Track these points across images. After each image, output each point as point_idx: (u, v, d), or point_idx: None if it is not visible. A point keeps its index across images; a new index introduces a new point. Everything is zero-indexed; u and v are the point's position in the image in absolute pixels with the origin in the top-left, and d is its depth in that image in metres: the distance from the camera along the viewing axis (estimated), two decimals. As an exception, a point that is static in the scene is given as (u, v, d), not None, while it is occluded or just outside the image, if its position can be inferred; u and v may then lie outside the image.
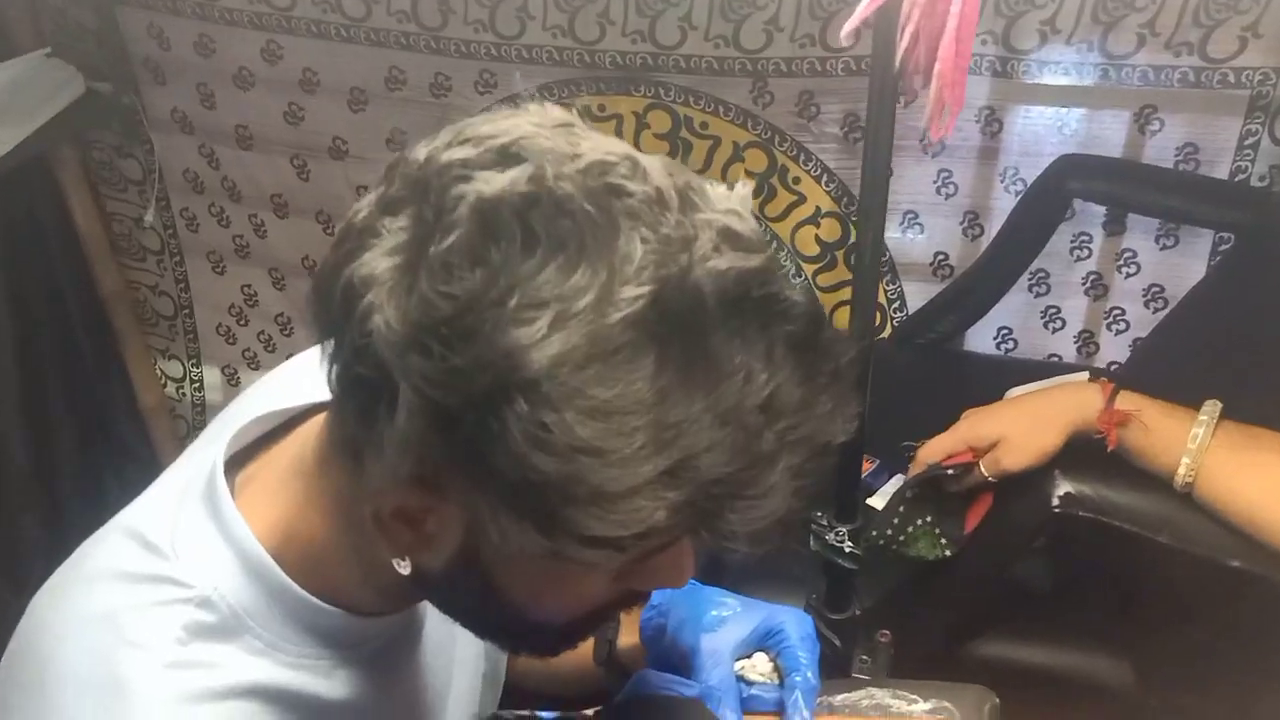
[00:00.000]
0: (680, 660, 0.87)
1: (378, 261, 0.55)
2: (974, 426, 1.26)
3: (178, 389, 2.35)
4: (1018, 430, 1.22)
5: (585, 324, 0.50)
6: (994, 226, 1.77)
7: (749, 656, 0.86)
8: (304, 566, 0.71)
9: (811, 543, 1.18)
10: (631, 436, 0.49)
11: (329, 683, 0.74)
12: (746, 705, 0.83)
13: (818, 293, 1.89)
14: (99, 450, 2.24)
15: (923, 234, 1.84)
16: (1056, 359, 1.88)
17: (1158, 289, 1.78)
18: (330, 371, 0.59)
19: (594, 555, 0.54)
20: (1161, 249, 1.75)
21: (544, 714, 0.69)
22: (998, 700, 0.86)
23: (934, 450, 1.27)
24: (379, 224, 0.56)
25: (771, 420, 0.52)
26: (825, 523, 1.17)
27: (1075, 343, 1.86)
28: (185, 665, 0.67)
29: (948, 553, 1.33)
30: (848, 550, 1.16)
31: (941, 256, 1.84)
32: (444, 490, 0.58)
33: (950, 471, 1.25)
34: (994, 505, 1.25)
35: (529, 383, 0.49)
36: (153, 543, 0.71)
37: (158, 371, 2.33)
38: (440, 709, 0.88)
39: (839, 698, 0.87)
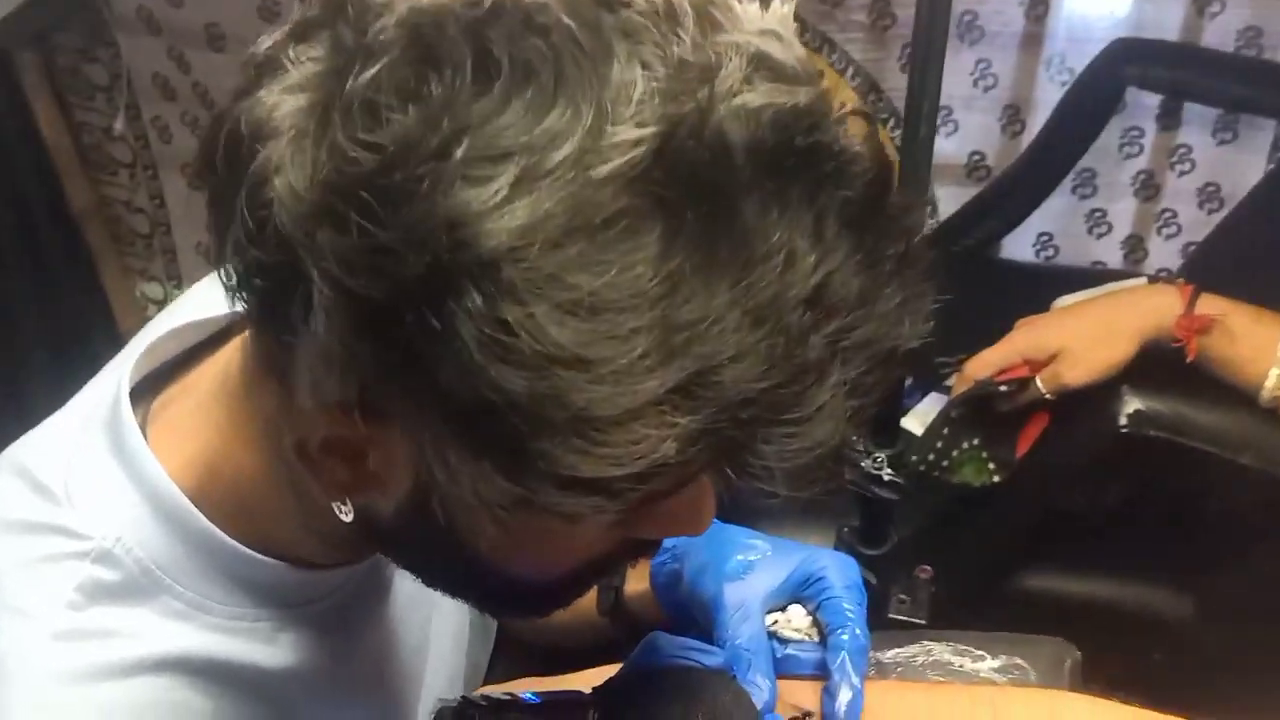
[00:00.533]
0: (700, 614, 0.73)
1: (278, 102, 0.40)
2: (1030, 337, 1.11)
3: (159, 311, 2.21)
4: (1081, 340, 1.07)
5: (562, 184, 0.37)
6: (1036, 122, 1.64)
7: (782, 609, 0.72)
8: (231, 510, 0.57)
9: (846, 470, 1.03)
10: (628, 341, 0.37)
11: (271, 649, 0.61)
12: (781, 668, 0.69)
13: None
14: (78, 378, 2.10)
15: (957, 132, 1.71)
16: (1101, 266, 1.76)
17: (1213, 188, 1.67)
18: (227, 259, 0.44)
19: (578, 503, 0.41)
20: (1219, 144, 1.63)
21: (526, 695, 0.55)
22: (1079, 654, 0.72)
23: (984, 364, 1.13)
24: (284, 54, 0.41)
25: (821, 320, 0.40)
26: (860, 448, 1.03)
27: (1122, 249, 1.75)
28: (79, 635, 0.54)
29: (996, 479, 1.20)
30: (886, 479, 1.02)
31: (977, 157, 1.72)
32: (383, 416, 0.44)
33: (1002, 388, 1.11)
34: (1050, 426, 1.12)
35: (484, 266, 0.36)
36: (43, 484, 0.57)
37: (137, 294, 2.19)
38: (417, 672, 0.75)
39: (889, 654, 0.73)
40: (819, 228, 0.40)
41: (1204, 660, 1.26)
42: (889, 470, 1.03)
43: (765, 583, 0.72)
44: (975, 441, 1.18)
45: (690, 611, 0.74)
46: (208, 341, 0.63)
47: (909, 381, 1.45)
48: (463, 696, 0.56)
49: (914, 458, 1.15)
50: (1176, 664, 1.27)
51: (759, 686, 0.66)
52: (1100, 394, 1.10)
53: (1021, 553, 1.27)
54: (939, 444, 1.16)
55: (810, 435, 0.40)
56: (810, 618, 0.71)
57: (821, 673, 0.68)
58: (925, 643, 0.75)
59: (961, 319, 1.31)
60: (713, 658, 0.65)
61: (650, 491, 0.41)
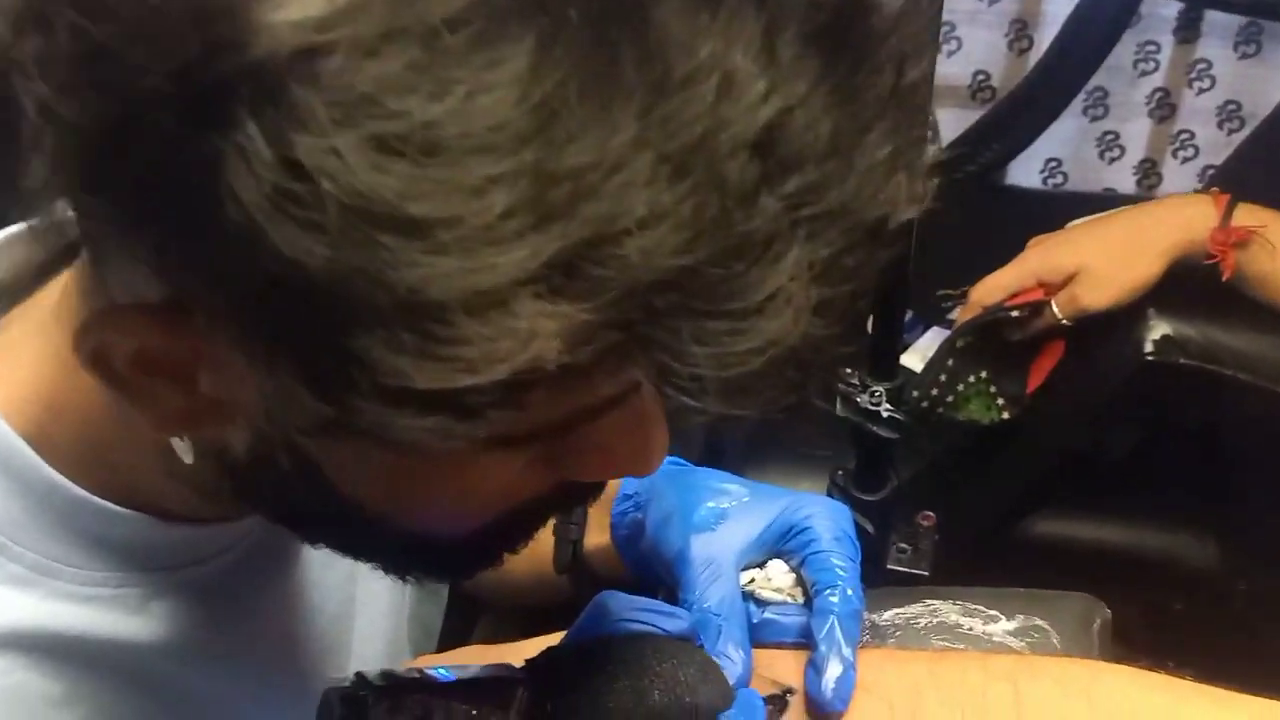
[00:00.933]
0: (664, 571, 0.62)
1: None
2: (1045, 256, 1.00)
3: None
4: (1102, 259, 0.96)
5: None
6: (1045, 38, 1.53)
7: (761, 566, 0.61)
8: (79, 454, 0.46)
9: (838, 407, 0.92)
10: (483, 195, 0.26)
11: (139, 620, 0.50)
12: (758, 634, 0.58)
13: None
14: None
15: (960, 50, 1.59)
16: (1112, 193, 1.65)
17: (1234, 106, 1.56)
18: None
19: (416, 426, 0.29)
20: (1241, 58, 1.53)
21: (440, 672, 0.44)
22: (1109, 613, 0.61)
23: (993, 288, 1.01)
24: None
25: (774, 174, 0.29)
26: (856, 382, 0.92)
27: (1135, 174, 1.64)
28: None
29: (1005, 416, 1.09)
30: (885, 415, 0.90)
31: (982, 77, 1.60)
32: (189, 316, 0.32)
33: (1014, 314, 1.00)
34: (1066, 357, 1.01)
35: (260, 78, 0.25)
36: None
37: None
38: (339, 642, 0.65)
39: (886, 615, 0.63)
40: (770, 42, 0.28)
41: (1230, 613, 1.17)
42: (888, 406, 0.92)
43: (740, 535, 0.61)
44: (983, 375, 1.07)
45: (654, 568, 0.64)
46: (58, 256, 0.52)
47: (909, 316, 1.34)
48: (357, 675, 0.45)
49: (915, 393, 1.04)
50: (1199, 616, 1.19)
51: (731, 658, 0.55)
52: (1123, 319, 1.01)
53: (1033, 497, 1.17)
54: (943, 377, 1.05)
55: (758, 332, 0.29)
56: (793, 575, 0.60)
57: (806, 641, 0.57)
58: (929, 601, 0.64)
59: (965, 249, 1.21)
60: (675, 622, 0.54)
61: (551, 417, 0.30)
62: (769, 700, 0.54)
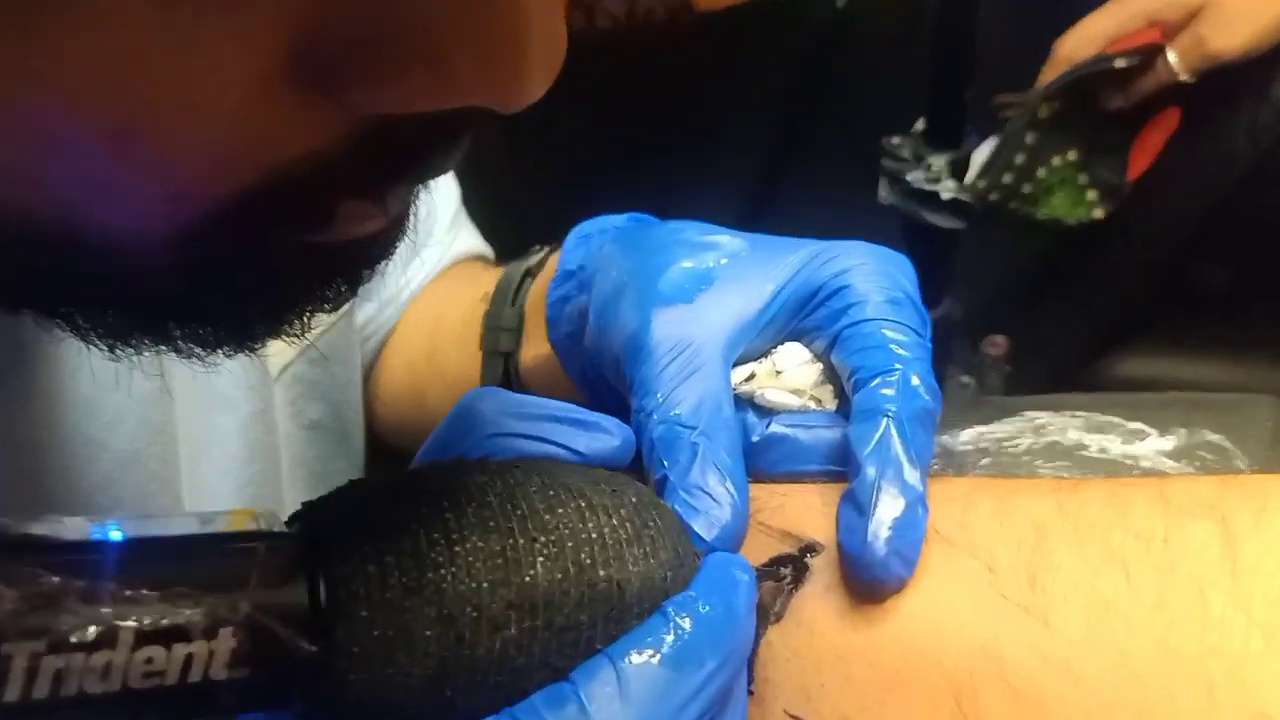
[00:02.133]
0: (613, 371, 0.40)
1: None
2: (1162, -15, 0.75)
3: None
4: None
5: None
6: None
7: (766, 355, 0.38)
8: None
9: (882, 189, 0.68)
10: None
11: None
12: (760, 460, 0.36)
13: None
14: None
15: None
16: None
17: None
18: None
19: None
20: None
21: (100, 532, 0.22)
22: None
23: (1089, 35, 0.77)
24: None
25: None
26: (906, 154, 0.68)
27: None
28: None
29: (1097, 214, 0.85)
30: (946, 197, 0.67)
31: None
32: None
33: (1118, 62, 0.75)
34: (1183, 129, 0.75)
35: None
36: None
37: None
38: (143, 491, 0.43)
39: (965, 436, 0.41)
40: None
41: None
42: (951, 184, 0.68)
43: (733, 307, 0.38)
44: (1072, 156, 0.83)
45: (604, 372, 0.41)
46: None
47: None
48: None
49: (982, 182, 0.80)
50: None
51: (711, 497, 0.33)
52: (1261, 73, 0.76)
53: (1128, 324, 0.93)
54: (1019, 159, 0.81)
55: None
56: (818, 367, 0.37)
57: (838, 469, 0.34)
58: (1032, 415, 0.42)
59: (1025, 41, 0.96)
60: (594, 438, 0.32)
61: None
62: (773, 566, 0.32)
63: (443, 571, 0.25)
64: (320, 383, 0.60)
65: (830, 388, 0.37)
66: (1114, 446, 0.40)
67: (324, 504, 0.27)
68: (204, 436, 0.50)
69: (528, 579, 0.26)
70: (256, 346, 0.29)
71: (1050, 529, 0.30)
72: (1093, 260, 0.88)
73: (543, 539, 0.26)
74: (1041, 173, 0.82)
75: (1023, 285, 0.89)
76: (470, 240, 0.68)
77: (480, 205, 0.72)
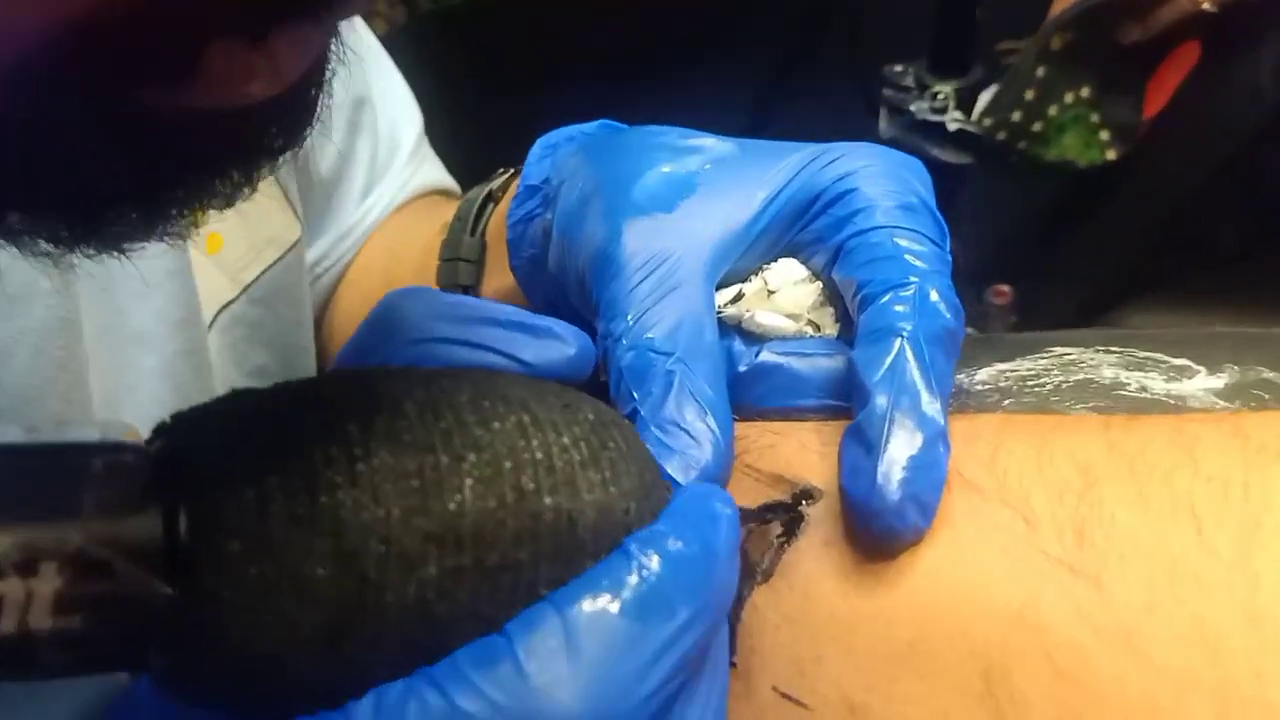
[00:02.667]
0: (578, 292, 0.34)
1: None
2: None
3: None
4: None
5: None
6: None
7: (757, 273, 0.32)
8: None
9: (883, 122, 0.63)
10: None
11: None
12: (747, 392, 0.31)
13: None
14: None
15: None
16: None
17: None
18: None
19: None
20: None
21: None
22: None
23: (1106, -42, 0.70)
24: None
25: None
26: (910, 81, 0.62)
27: None
28: None
29: (1110, 155, 0.80)
30: (953, 128, 0.62)
31: None
32: None
33: (1139, -14, 0.69)
34: (1203, 64, 0.69)
35: None
36: None
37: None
38: (41, 402, 0.39)
39: (982, 375, 0.35)
40: None
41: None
42: (957, 115, 0.63)
43: (719, 216, 0.32)
44: (1084, 93, 0.77)
45: (568, 294, 0.36)
46: None
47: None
48: None
49: (989, 120, 0.75)
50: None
51: (690, 434, 0.27)
52: (1292, 1, 0.69)
53: (1141, 275, 0.88)
54: (1029, 94, 0.75)
55: None
56: (817, 286, 0.32)
57: (841, 404, 0.29)
58: (1058, 351, 0.36)
59: None
60: (545, 346, 0.27)
61: None
62: (761, 515, 0.27)
63: (341, 495, 0.20)
64: (264, 324, 0.54)
65: (831, 310, 0.32)
66: (1156, 385, 0.34)
67: (194, 415, 0.22)
68: (124, 378, 0.44)
69: (452, 506, 0.20)
70: (125, 245, 0.23)
71: (1101, 472, 0.25)
72: (1104, 206, 0.82)
73: (473, 457, 0.21)
74: (1052, 110, 0.77)
75: (1030, 232, 0.84)
76: (433, 173, 0.62)
77: (449, 138, 0.67)
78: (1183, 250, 0.89)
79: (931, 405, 0.26)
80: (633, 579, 0.22)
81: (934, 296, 0.28)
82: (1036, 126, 0.77)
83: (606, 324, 0.31)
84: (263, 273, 0.52)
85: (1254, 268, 0.90)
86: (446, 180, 0.63)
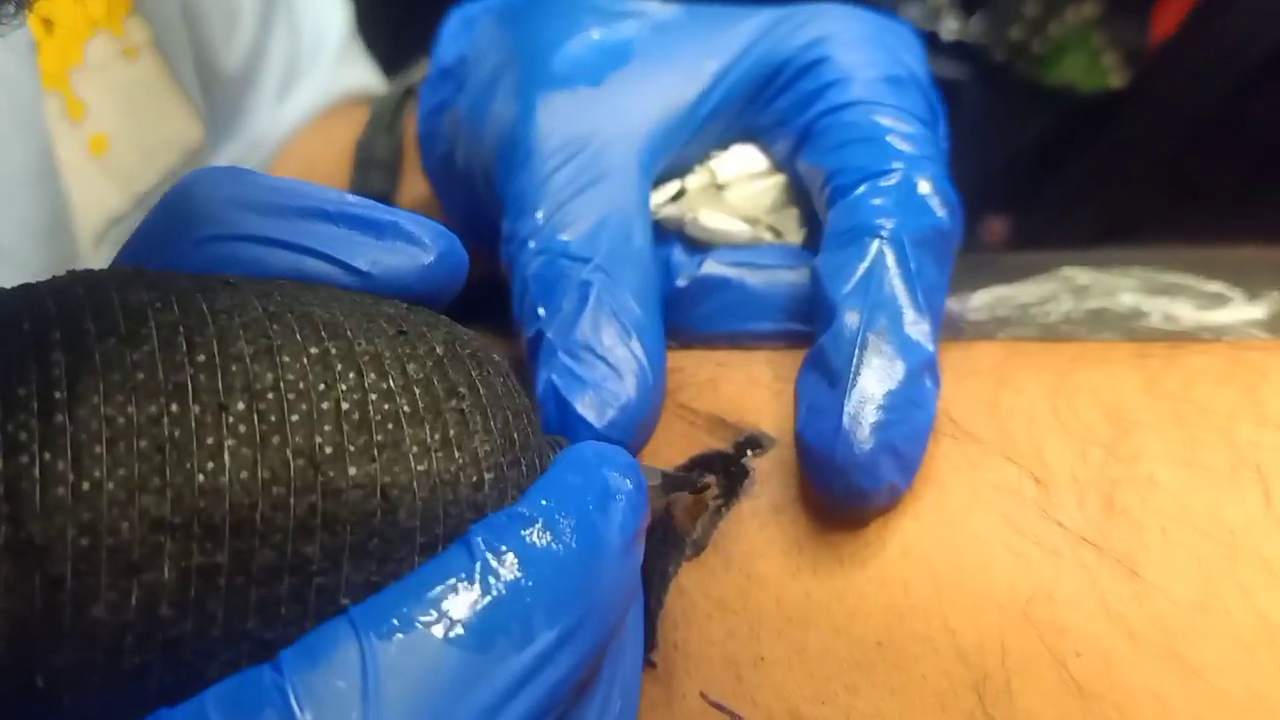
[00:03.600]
0: (483, 181, 0.28)
1: None
2: None
3: None
4: None
5: None
6: None
7: (704, 163, 0.26)
8: None
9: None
10: None
11: None
12: (685, 314, 0.24)
13: None
14: None
15: None
16: None
17: None
18: None
19: None
20: None
21: None
22: None
23: None
24: None
25: None
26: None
27: None
28: None
29: (1113, 81, 0.74)
30: (948, 39, 0.56)
31: None
32: None
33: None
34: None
35: None
36: None
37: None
38: None
39: (977, 301, 0.29)
40: None
41: None
42: (954, 24, 0.57)
43: (658, 92, 0.26)
44: (1088, 11, 0.70)
45: (478, 191, 0.29)
46: None
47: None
48: None
49: (984, 35, 0.68)
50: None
51: (608, 362, 0.21)
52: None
53: (1143, 213, 0.82)
54: (1030, 9, 0.68)
55: None
56: (778, 178, 0.25)
57: (802, 328, 0.23)
58: (1067, 272, 0.30)
59: None
60: (397, 250, 0.19)
61: None
62: (693, 470, 0.21)
63: (24, 459, 0.14)
64: (164, 243, 0.47)
65: (796, 212, 0.25)
66: (1185, 313, 0.28)
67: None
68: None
69: (202, 478, 0.14)
70: None
71: (1137, 418, 0.19)
72: (1105, 138, 0.76)
73: (241, 406, 0.15)
74: (1054, 29, 0.70)
75: (1026, 163, 0.78)
76: (362, 75, 0.56)
77: (382, 34, 0.60)
78: (1190, 183, 0.84)
79: (917, 326, 0.20)
80: (473, 589, 0.15)
81: (924, 188, 0.22)
82: (1037, 46, 0.71)
83: (511, 223, 0.24)
84: (160, 181, 0.46)
85: (1258, 203, 0.85)
86: (377, 83, 0.56)
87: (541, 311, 0.22)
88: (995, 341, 0.22)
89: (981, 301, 0.30)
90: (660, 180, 0.26)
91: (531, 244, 0.23)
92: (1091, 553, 0.17)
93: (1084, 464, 0.18)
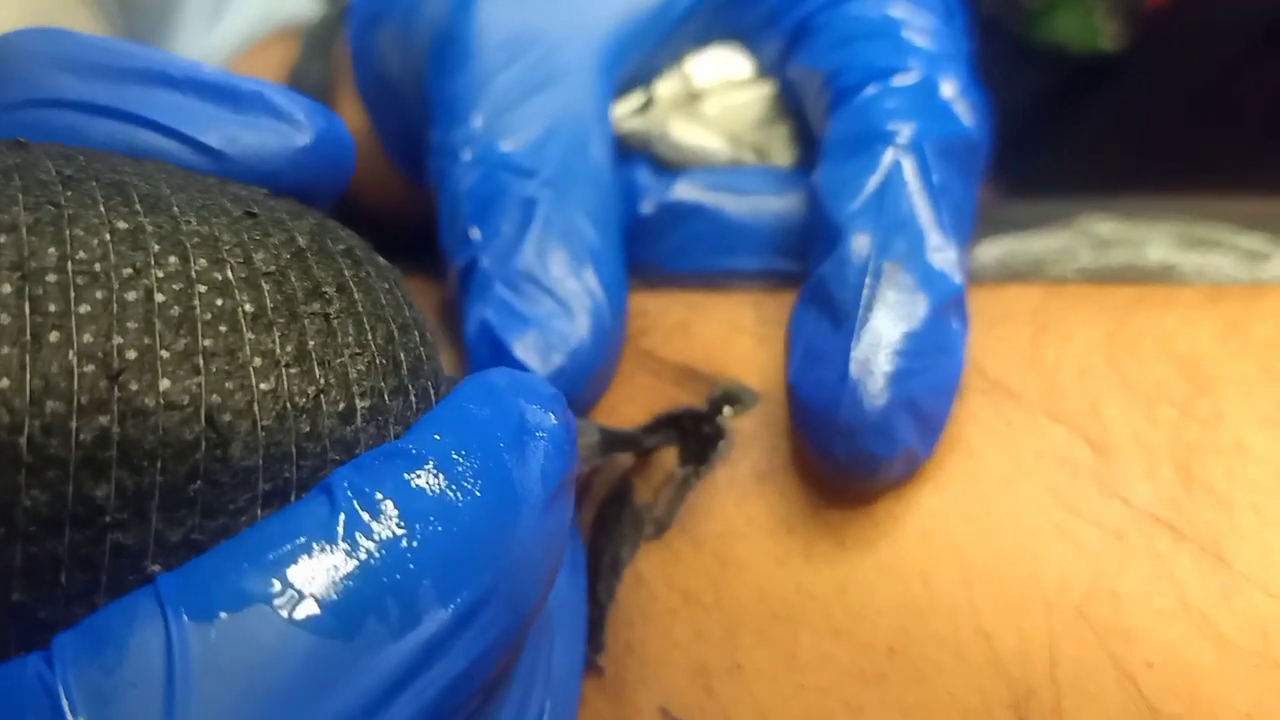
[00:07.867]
0: (418, 104, 0.23)
1: None
2: None
3: None
4: None
5: None
6: None
7: (678, 67, 0.22)
8: None
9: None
10: None
11: None
12: (654, 243, 0.20)
13: None
14: None
15: None
16: None
17: None
18: None
19: None
20: None
21: None
22: None
23: None
24: None
25: None
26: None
27: None
28: None
29: (1106, 43, 0.69)
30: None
31: None
32: None
33: None
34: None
35: None
36: None
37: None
38: None
39: (986, 251, 0.25)
40: None
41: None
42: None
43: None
44: (1083, -33, 0.66)
45: (409, 111, 0.25)
46: None
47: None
48: None
49: (974, -11, 0.64)
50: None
51: (556, 296, 0.17)
52: None
53: (1120, 170, 0.78)
54: (1022, -40, 0.65)
55: None
56: (765, 87, 0.21)
57: (791, 266, 0.19)
58: (1088, 221, 0.27)
59: None
60: (260, 127, 0.15)
61: None
62: (657, 430, 0.17)
63: None
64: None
65: (785, 129, 0.21)
66: (1223, 264, 0.25)
67: None
68: None
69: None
70: None
71: (1216, 370, 0.15)
72: (1097, 103, 0.73)
73: (5, 289, 0.11)
74: (1047, -18, 0.66)
75: (1015, 127, 0.74)
76: (304, 1, 0.51)
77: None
78: (1186, 151, 0.81)
79: (942, 253, 0.16)
80: (334, 552, 0.11)
81: (947, 90, 0.18)
82: (1030, 2, 0.67)
83: (441, 133, 0.20)
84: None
85: (1257, 175, 0.82)
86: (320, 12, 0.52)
87: (475, 235, 0.18)
88: (1035, 285, 0.18)
89: (992, 255, 0.27)
90: (624, 88, 0.21)
91: (465, 154, 0.19)
92: (1166, 536, 0.14)
93: (1152, 426, 0.14)
